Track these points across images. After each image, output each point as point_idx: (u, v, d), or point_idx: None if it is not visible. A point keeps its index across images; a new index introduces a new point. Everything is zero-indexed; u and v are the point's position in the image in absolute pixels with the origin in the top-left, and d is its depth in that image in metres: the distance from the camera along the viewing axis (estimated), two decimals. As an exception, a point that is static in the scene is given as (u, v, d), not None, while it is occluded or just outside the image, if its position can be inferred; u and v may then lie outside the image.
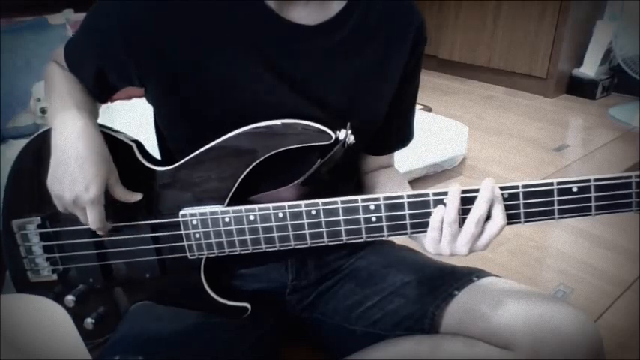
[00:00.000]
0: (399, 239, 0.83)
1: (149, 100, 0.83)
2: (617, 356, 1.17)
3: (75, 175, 0.73)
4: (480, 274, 0.85)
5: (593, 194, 0.68)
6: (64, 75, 0.84)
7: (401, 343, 0.83)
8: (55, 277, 0.86)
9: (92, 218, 0.75)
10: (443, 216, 0.70)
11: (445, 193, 0.70)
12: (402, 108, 0.90)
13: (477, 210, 0.69)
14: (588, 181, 0.68)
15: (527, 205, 0.70)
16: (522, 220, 0.71)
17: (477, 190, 0.69)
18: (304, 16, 0.76)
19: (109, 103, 2.11)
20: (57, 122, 0.76)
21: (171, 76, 0.76)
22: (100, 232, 0.79)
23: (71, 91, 0.81)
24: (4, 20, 1.87)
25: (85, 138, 0.74)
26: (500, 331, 0.75)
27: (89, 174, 0.73)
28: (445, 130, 2.15)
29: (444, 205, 0.70)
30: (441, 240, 0.71)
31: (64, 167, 0.74)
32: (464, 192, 0.70)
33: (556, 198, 0.69)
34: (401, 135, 0.95)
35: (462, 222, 0.70)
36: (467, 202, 0.70)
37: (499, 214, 0.69)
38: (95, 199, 0.74)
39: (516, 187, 0.70)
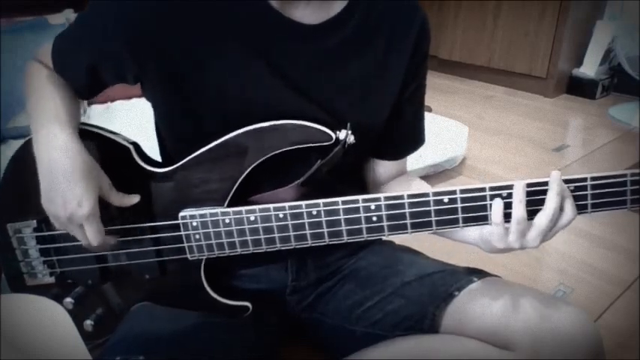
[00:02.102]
0: (399, 239, 0.83)
1: (148, 98, 0.83)
2: (617, 356, 1.17)
3: (66, 194, 0.72)
4: (480, 274, 0.85)
5: (589, 192, 0.70)
6: (47, 77, 0.82)
7: (400, 344, 0.83)
8: (52, 280, 0.85)
9: (91, 234, 0.74)
10: (502, 211, 0.70)
11: (446, 192, 0.71)
12: (407, 109, 0.89)
13: (552, 205, 0.69)
14: (585, 179, 0.70)
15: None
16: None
17: (540, 184, 0.70)
18: (307, 15, 0.76)
19: (109, 103, 2.11)
20: (39, 136, 0.75)
21: (171, 75, 0.76)
22: (101, 246, 0.77)
23: (53, 98, 0.78)
24: (4, 20, 1.87)
25: (68, 153, 0.73)
26: (499, 331, 0.75)
27: (79, 190, 0.72)
28: (445, 130, 2.15)
29: (502, 198, 0.70)
30: (509, 235, 0.71)
31: (54, 188, 0.73)
32: (528, 185, 0.70)
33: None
34: (410, 138, 0.95)
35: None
36: (530, 195, 0.70)
37: (570, 207, 0.69)
38: (90, 214, 0.73)
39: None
